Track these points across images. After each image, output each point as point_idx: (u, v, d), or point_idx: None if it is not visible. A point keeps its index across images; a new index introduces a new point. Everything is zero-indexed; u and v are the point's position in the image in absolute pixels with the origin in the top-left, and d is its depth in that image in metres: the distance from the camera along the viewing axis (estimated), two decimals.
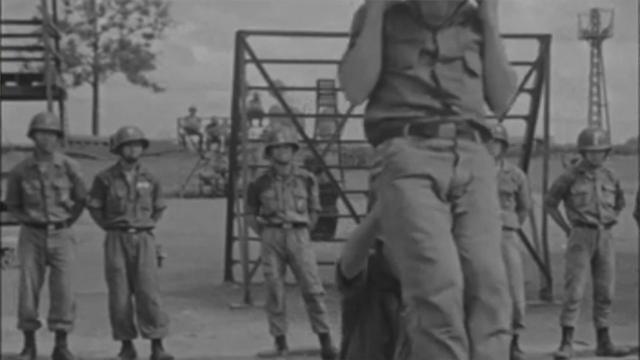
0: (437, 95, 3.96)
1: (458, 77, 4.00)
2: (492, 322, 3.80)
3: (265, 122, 33.76)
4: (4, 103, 15.51)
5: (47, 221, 8.66)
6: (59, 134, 8.84)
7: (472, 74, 4.03)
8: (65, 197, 8.73)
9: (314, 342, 8.96)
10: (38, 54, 20.79)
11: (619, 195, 9.03)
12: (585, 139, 9.00)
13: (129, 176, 8.78)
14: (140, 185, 8.78)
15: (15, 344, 8.70)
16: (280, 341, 8.86)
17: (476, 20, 4.08)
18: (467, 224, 3.92)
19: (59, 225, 8.70)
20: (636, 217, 9.02)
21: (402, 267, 3.87)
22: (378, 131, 4.03)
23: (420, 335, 3.75)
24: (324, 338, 8.80)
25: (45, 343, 8.73)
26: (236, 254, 12.87)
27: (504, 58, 4.09)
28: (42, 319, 8.72)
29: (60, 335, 8.71)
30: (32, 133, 8.71)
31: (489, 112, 4.18)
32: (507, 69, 4.09)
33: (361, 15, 4.05)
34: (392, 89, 4.01)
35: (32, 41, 20.68)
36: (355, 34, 4.05)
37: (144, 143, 8.84)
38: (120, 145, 8.77)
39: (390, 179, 3.91)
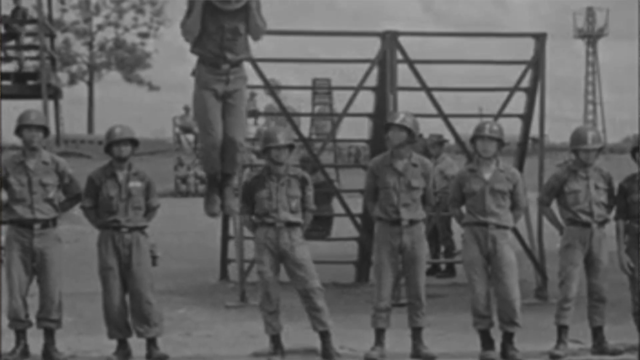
0: (221, 48, 7.90)
1: (234, 38, 7.90)
2: (233, 159, 8.03)
3: (261, 120, 33.79)
4: None
5: (34, 218, 8.64)
6: (46, 130, 8.83)
7: (240, 35, 7.94)
8: (52, 193, 8.72)
9: (310, 341, 8.95)
10: (33, 53, 20.78)
11: (611, 193, 9.05)
12: (578, 138, 9.00)
13: (121, 175, 8.77)
14: (132, 184, 8.77)
15: (10, 342, 8.69)
16: (275, 340, 8.85)
17: (246, 5, 7.81)
18: (230, 113, 7.97)
19: (45, 224, 8.68)
20: (616, 219, 9.04)
21: (199, 133, 8.26)
22: (196, 55, 7.99)
23: (203, 162, 8.32)
24: (324, 336, 8.78)
25: (39, 340, 8.73)
26: (231, 253, 12.87)
27: (259, 20, 7.91)
28: (34, 317, 8.72)
29: (48, 334, 8.72)
30: (18, 130, 8.71)
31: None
32: (259, 25, 7.94)
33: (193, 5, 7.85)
34: (203, 40, 7.91)
35: (28, 40, 20.66)
36: (190, 8, 7.82)
37: (134, 142, 8.82)
38: (108, 145, 8.77)
39: (198, 88, 7.99)
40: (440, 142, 13.83)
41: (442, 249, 13.96)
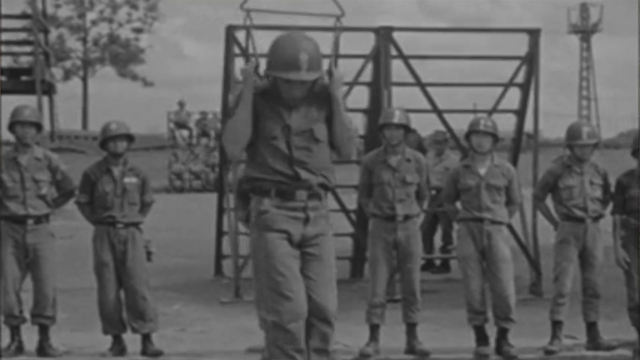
0: (290, 162, 5.42)
1: (308, 145, 5.45)
2: (323, 343, 5.55)
3: None
4: None
5: (27, 214, 8.62)
6: (38, 126, 8.81)
7: (318, 141, 5.47)
8: (45, 190, 8.70)
9: None
10: (27, 49, 20.79)
11: (606, 188, 9.05)
12: (573, 133, 9.00)
13: (116, 171, 8.75)
14: (127, 180, 8.75)
15: (4, 338, 8.68)
16: None
17: (325, 95, 5.49)
18: (313, 269, 5.51)
19: (38, 220, 8.66)
20: (612, 214, 9.04)
21: (266, 297, 5.48)
22: (253, 185, 5.50)
23: (275, 348, 5.54)
24: None
25: (33, 336, 8.72)
26: (226, 248, 12.87)
27: (347, 120, 5.53)
28: (28, 313, 8.71)
29: (43, 330, 8.70)
30: (11, 126, 8.69)
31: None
32: (350, 127, 5.54)
33: (239, 96, 5.59)
34: (260, 153, 5.45)
35: (22, 35, 20.67)
36: (234, 107, 5.58)
37: (129, 138, 8.80)
38: (104, 140, 8.75)
39: (261, 230, 5.44)
40: (445, 139, 13.81)
41: (442, 243, 14.03)
